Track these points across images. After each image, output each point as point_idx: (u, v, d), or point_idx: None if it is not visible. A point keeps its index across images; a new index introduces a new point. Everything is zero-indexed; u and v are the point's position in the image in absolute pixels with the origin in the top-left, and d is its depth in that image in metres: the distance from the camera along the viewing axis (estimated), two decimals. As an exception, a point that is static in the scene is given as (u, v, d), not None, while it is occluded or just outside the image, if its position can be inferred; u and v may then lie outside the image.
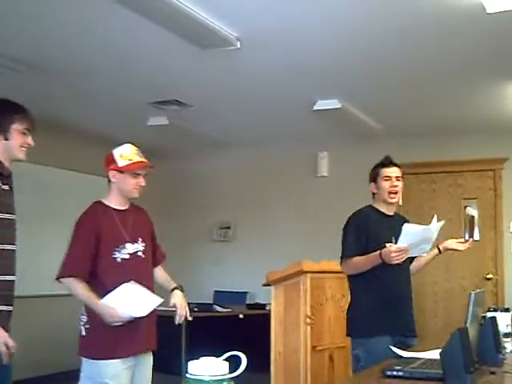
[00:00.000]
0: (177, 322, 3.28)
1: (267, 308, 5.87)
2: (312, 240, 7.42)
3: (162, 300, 3.21)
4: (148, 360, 3.29)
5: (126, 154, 3.20)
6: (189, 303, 6.34)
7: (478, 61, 4.79)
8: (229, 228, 8.29)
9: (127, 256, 3.16)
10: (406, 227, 3.35)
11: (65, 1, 3.77)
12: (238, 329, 6.51)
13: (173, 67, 4.97)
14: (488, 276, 6.97)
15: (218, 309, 6.60)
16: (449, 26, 4.08)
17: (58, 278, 3.09)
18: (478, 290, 2.70)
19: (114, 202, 3.24)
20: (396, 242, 3.37)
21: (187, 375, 1.27)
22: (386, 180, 3.69)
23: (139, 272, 3.19)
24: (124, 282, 3.07)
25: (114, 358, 3.08)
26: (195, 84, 5.44)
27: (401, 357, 2.83)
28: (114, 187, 3.23)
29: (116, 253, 3.13)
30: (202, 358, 1.28)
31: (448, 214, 7.21)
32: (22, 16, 3.97)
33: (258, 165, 8.17)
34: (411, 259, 3.75)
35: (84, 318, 3.13)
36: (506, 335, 3.26)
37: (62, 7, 3.85)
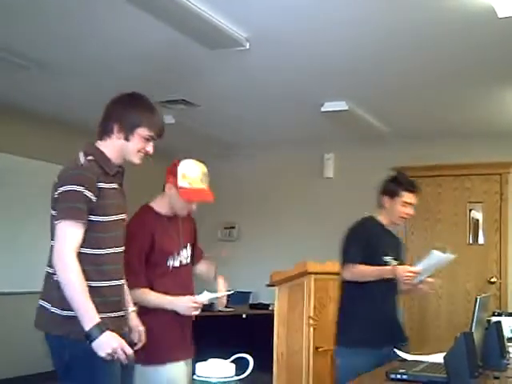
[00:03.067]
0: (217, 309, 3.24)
1: (270, 308, 5.87)
2: (316, 241, 7.40)
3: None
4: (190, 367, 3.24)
5: (189, 175, 3.07)
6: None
7: (488, 65, 4.79)
8: (233, 228, 8.30)
9: (178, 264, 3.12)
10: (435, 253, 3.37)
11: (73, 2, 3.78)
12: (240, 329, 6.52)
13: (181, 66, 4.97)
14: (492, 280, 6.96)
15: (220, 309, 6.60)
16: (460, 30, 4.08)
17: None
18: (484, 295, 2.70)
19: (165, 209, 3.13)
20: (395, 257, 3.48)
21: (195, 377, 1.27)
22: (404, 206, 3.66)
23: (186, 279, 3.17)
24: (173, 290, 3.04)
25: (177, 361, 3.08)
26: (203, 84, 5.45)
27: (405, 360, 2.83)
28: (167, 197, 3.11)
29: (170, 261, 3.08)
30: (210, 360, 1.29)
31: (453, 218, 7.22)
32: (32, 14, 3.98)
33: (263, 165, 8.17)
34: None
35: None
36: (510, 340, 3.26)
37: (71, 6, 3.85)
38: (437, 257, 3.40)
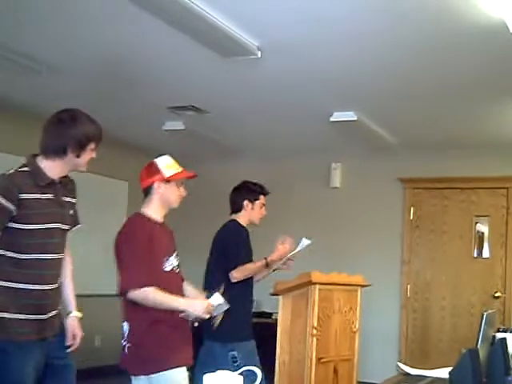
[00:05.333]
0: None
1: (273, 317, 5.86)
2: (322, 251, 7.39)
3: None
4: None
5: (170, 164, 3.20)
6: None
7: (497, 78, 4.79)
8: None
9: (169, 268, 3.15)
10: (304, 240, 4.42)
11: (87, 6, 3.79)
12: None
13: (192, 73, 4.98)
14: (496, 294, 6.93)
15: (224, 315, 6.59)
16: (471, 44, 4.08)
17: (126, 291, 3.00)
18: (490, 311, 2.70)
19: (155, 214, 3.19)
20: None
21: (202, 388, 1.27)
22: (261, 207, 4.46)
23: (178, 286, 3.20)
24: (168, 292, 3.06)
25: (179, 366, 3.07)
26: (213, 91, 5.46)
27: (408, 374, 2.83)
28: (156, 198, 3.17)
29: (165, 264, 3.11)
30: (218, 372, 1.29)
31: (459, 230, 7.21)
32: (42, 18, 4.00)
33: (270, 174, 8.15)
34: None
35: (128, 331, 3.07)
36: (515, 356, 3.24)
37: (81, 11, 3.87)
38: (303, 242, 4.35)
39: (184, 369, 3.11)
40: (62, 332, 2.88)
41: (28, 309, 2.69)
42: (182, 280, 3.37)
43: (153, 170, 3.17)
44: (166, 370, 3.01)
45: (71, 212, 2.91)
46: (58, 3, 3.80)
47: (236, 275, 4.06)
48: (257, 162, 8.11)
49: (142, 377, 3.03)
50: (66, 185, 2.88)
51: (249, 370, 1.35)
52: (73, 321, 2.93)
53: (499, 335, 3.16)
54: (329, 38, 4.09)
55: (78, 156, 2.79)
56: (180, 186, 3.23)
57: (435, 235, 7.33)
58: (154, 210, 3.19)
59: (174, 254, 3.24)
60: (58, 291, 2.87)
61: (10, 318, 2.63)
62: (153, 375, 3.00)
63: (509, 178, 6.99)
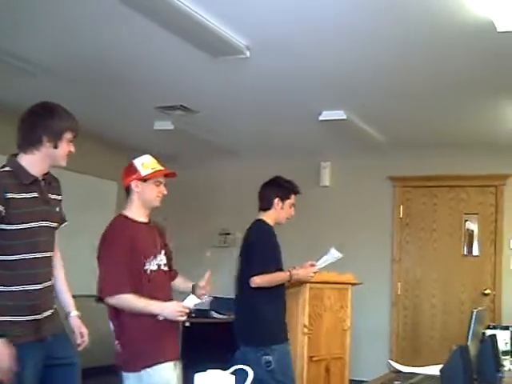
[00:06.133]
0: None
1: (265, 316, 5.86)
2: (312, 249, 7.39)
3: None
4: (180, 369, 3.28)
5: (147, 163, 3.21)
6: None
7: (485, 78, 4.81)
8: (229, 234, 8.29)
9: (155, 267, 3.15)
10: (332, 250, 4.22)
11: (77, 6, 3.78)
12: (233, 335, 6.49)
13: (181, 73, 4.98)
14: (486, 291, 6.96)
15: (215, 315, 6.59)
16: (459, 44, 4.10)
17: (102, 298, 3.04)
18: (480, 308, 2.71)
19: (138, 214, 3.21)
20: None
21: (194, 387, 1.27)
22: (290, 207, 4.30)
23: (164, 284, 3.21)
24: (153, 293, 3.08)
25: (166, 361, 3.08)
26: (203, 90, 5.45)
27: (399, 371, 2.84)
28: (136, 198, 3.21)
29: (147, 265, 3.12)
30: (209, 371, 1.29)
31: (448, 228, 7.24)
32: (37, 20, 3.99)
33: (260, 172, 8.11)
34: None
35: (113, 330, 3.11)
36: (505, 353, 3.27)
37: (73, 12, 3.86)
38: (333, 254, 4.11)
39: (171, 364, 3.11)
40: (62, 331, 2.87)
41: (24, 310, 2.68)
42: (175, 275, 3.39)
43: (131, 169, 3.20)
44: (153, 365, 3.03)
45: (57, 209, 2.89)
46: (51, 6, 3.79)
47: (258, 281, 3.87)
48: (246, 161, 8.10)
49: (132, 374, 3.05)
50: (50, 182, 2.86)
51: (241, 369, 1.35)
52: (76, 320, 2.94)
53: (489, 332, 3.18)
54: (318, 37, 4.09)
55: (55, 146, 2.75)
56: (159, 185, 3.23)
57: (425, 233, 7.36)
58: (135, 210, 3.21)
59: (163, 252, 3.24)
60: (51, 289, 2.86)
61: (6, 321, 2.61)
62: (142, 371, 3.02)
63: (498, 176, 7.02)
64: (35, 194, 2.74)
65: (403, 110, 5.88)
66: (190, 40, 4.09)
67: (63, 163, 2.83)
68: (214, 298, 7.67)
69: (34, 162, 2.74)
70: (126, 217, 3.20)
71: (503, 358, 3.10)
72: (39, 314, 2.74)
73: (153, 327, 3.07)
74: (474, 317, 2.52)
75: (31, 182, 2.73)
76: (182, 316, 3.06)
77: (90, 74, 5.10)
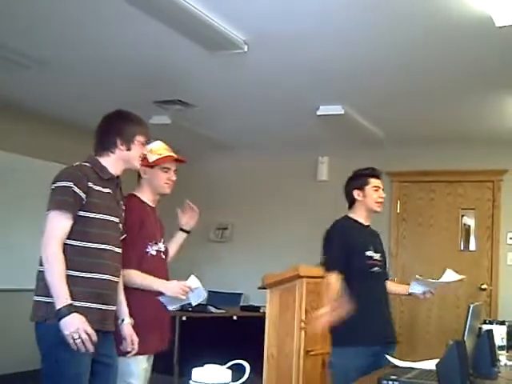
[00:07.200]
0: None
1: (261, 310, 5.87)
2: (309, 244, 7.40)
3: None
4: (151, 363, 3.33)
5: (155, 149, 3.25)
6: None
7: (483, 74, 4.81)
8: (226, 229, 8.29)
9: (155, 252, 3.21)
10: (448, 271, 3.92)
11: (74, 2, 3.78)
12: (231, 330, 6.52)
13: (178, 67, 4.97)
14: (482, 286, 6.98)
15: (212, 309, 6.60)
16: (457, 39, 4.09)
17: None
18: (477, 303, 2.71)
19: (146, 197, 3.27)
20: (375, 251, 3.70)
21: (191, 382, 1.27)
22: (376, 190, 3.81)
23: (162, 269, 3.25)
24: (151, 274, 3.13)
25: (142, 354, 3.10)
26: (200, 85, 5.45)
27: (396, 366, 2.84)
28: (145, 184, 3.27)
29: (149, 247, 3.17)
30: (206, 366, 1.29)
31: (445, 223, 7.25)
32: (33, 13, 3.97)
33: (257, 167, 8.17)
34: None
35: None
36: (501, 348, 3.27)
37: (72, 6, 3.85)
38: (449, 275, 3.85)
39: (143, 358, 3.13)
40: (113, 332, 2.92)
41: (93, 297, 2.74)
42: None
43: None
44: (123, 355, 3.04)
45: (123, 214, 3.01)
46: (47, 1, 3.79)
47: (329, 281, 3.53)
48: (244, 155, 8.11)
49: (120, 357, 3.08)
50: (120, 187, 3.00)
51: (239, 364, 1.35)
52: (129, 327, 3.00)
53: (485, 327, 3.19)
54: (316, 31, 4.08)
55: (128, 149, 2.91)
56: (168, 171, 3.26)
57: (422, 228, 7.37)
58: (144, 194, 3.27)
59: (163, 240, 3.29)
60: (118, 286, 2.94)
61: (77, 306, 2.65)
62: (120, 356, 3.04)
63: (495, 172, 7.03)
64: (109, 191, 2.87)
65: (401, 106, 5.88)
66: (188, 34, 4.08)
67: (137, 165, 2.99)
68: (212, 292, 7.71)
69: (109, 163, 2.90)
70: (136, 195, 3.26)
71: (499, 352, 3.11)
72: (107, 304, 2.81)
73: (141, 319, 3.08)
74: (470, 312, 2.52)
75: (108, 179, 2.87)
76: (182, 294, 3.10)
77: (84, 68, 5.10)
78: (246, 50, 4.30)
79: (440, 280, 3.84)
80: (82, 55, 4.78)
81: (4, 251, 6.45)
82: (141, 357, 3.11)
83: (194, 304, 3.26)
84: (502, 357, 3.14)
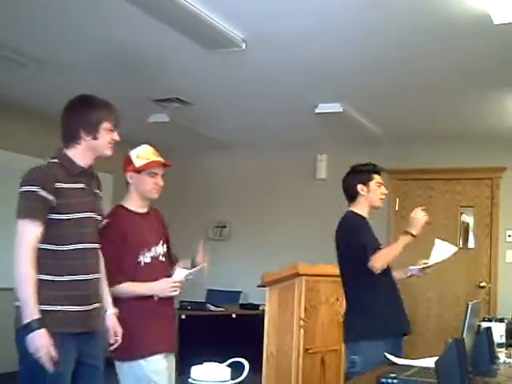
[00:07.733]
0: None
1: (260, 309, 5.88)
2: (308, 242, 7.42)
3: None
4: (173, 361, 3.30)
5: (142, 154, 3.22)
6: (182, 301, 6.35)
7: (481, 71, 4.81)
8: (224, 227, 8.29)
9: (149, 260, 3.17)
10: (438, 241, 3.92)
11: (76, 1, 3.78)
12: (230, 328, 6.52)
13: (177, 65, 4.97)
14: (481, 284, 6.99)
15: (211, 308, 6.61)
16: (455, 37, 4.09)
17: None
18: (475, 301, 2.72)
19: (134, 205, 3.23)
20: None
21: (190, 380, 1.27)
22: (379, 186, 3.80)
23: (160, 275, 3.20)
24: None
25: (156, 354, 3.10)
26: (198, 83, 5.44)
27: (395, 364, 2.84)
28: (133, 189, 3.23)
29: (140, 256, 3.14)
30: (205, 364, 1.29)
31: (444, 221, 7.25)
32: (33, 12, 3.97)
33: (256, 165, 8.17)
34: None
35: None
36: (500, 345, 3.27)
37: (70, 4, 3.84)
38: (440, 246, 3.87)
39: (162, 356, 3.12)
40: (99, 331, 2.85)
41: (72, 300, 2.66)
42: (175, 261, 3.41)
43: (127, 161, 3.23)
44: (146, 356, 3.06)
45: (101, 203, 2.90)
46: (47, 1, 3.79)
47: (376, 265, 3.43)
48: (242, 153, 8.10)
49: (127, 364, 3.10)
50: (93, 176, 2.88)
51: (238, 362, 1.35)
52: (112, 318, 2.92)
53: (484, 324, 3.19)
54: (315, 30, 4.08)
55: (94, 138, 2.77)
56: (154, 176, 3.23)
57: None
58: (132, 201, 3.24)
59: (161, 242, 3.25)
60: (99, 282, 2.85)
61: (55, 311, 2.60)
62: (134, 362, 3.06)
63: (493, 169, 7.04)
64: (82, 185, 2.76)
65: (400, 104, 5.88)
66: (186, 33, 4.08)
67: (108, 152, 2.83)
68: (211, 290, 7.72)
69: (78, 155, 2.76)
70: (123, 206, 3.23)
71: (498, 350, 3.11)
72: (88, 305, 2.72)
73: (147, 319, 3.10)
74: (469, 309, 2.52)
75: (79, 173, 2.75)
76: (174, 291, 3.11)
77: (82, 66, 5.09)
78: (243, 48, 4.29)
79: (433, 261, 3.85)
80: (82, 54, 4.78)
81: (4, 250, 6.43)
82: (154, 358, 3.09)
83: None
84: (501, 354, 3.14)
